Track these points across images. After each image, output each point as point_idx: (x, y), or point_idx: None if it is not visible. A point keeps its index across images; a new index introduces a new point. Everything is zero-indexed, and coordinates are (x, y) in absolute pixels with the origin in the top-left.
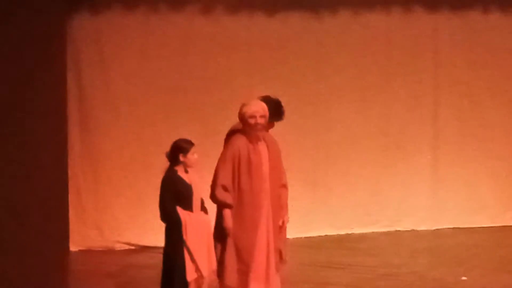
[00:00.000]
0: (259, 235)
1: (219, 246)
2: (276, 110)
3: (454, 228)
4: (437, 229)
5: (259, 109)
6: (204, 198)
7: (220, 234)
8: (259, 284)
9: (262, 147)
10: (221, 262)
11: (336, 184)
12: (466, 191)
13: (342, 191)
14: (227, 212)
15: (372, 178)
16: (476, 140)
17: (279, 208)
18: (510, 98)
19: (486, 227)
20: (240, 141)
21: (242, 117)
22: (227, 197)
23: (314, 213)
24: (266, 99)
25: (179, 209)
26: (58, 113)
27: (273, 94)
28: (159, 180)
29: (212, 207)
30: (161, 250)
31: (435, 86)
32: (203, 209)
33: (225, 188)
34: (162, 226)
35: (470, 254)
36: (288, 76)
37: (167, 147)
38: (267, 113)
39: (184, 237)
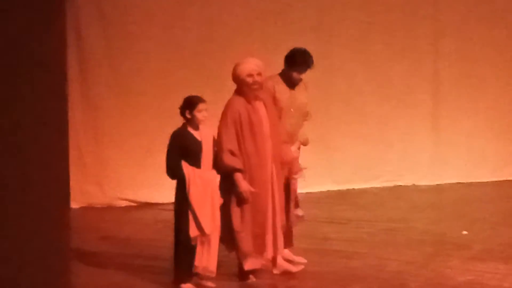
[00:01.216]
0: (268, 196)
1: (230, 213)
2: (298, 60)
3: (455, 182)
4: (438, 184)
5: (255, 66)
6: None
7: (231, 200)
8: (272, 247)
9: (260, 105)
10: (235, 229)
11: (336, 139)
12: (467, 146)
13: (343, 146)
14: (239, 176)
15: (373, 133)
16: (477, 95)
17: (282, 166)
18: (509, 50)
19: (487, 181)
20: (239, 103)
21: (237, 77)
22: (236, 162)
23: (315, 168)
24: (293, 51)
25: (184, 165)
26: (58, 69)
27: (271, 49)
28: (160, 137)
29: None
30: (161, 207)
31: (435, 41)
32: (216, 166)
33: (232, 153)
34: (162, 183)
35: (471, 209)
36: (289, 31)
37: (168, 105)
38: (263, 70)
39: (187, 192)
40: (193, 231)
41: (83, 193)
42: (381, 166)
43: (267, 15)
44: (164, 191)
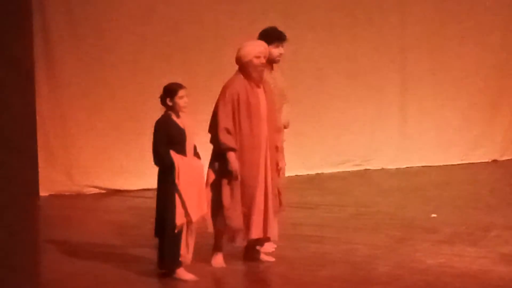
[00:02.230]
0: (259, 178)
1: (221, 189)
2: (275, 33)
3: (423, 166)
4: (406, 167)
5: (264, 49)
6: (196, 144)
7: (221, 178)
8: (259, 229)
9: (260, 89)
10: (224, 205)
11: (305, 124)
12: (435, 129)
13: (312, 131)
14: (231, 155)
15: (342, 118)
16: (445, 78)
17: (276, 151)
18: (478, 36)
19: (455, 164)
20: (239, 84)
21: (244, 58)
22: (230, 140)
23: (284, 153)
24: (264, 29)
25: (173, 153)
26: (25, 58)
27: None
28: (127, 124)
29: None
30: (131, 194)
31: (402, 26)
32: (196, 154)
33: (228, 131)
34: (130, 170)
35: (440, 192)
36: (255, 17)
37: (135, 94)
38: (267, 54)
39: (176, 181)
40: (180, 219)
41: (51, 181)
42: (349, 150)
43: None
44: (132, 178)
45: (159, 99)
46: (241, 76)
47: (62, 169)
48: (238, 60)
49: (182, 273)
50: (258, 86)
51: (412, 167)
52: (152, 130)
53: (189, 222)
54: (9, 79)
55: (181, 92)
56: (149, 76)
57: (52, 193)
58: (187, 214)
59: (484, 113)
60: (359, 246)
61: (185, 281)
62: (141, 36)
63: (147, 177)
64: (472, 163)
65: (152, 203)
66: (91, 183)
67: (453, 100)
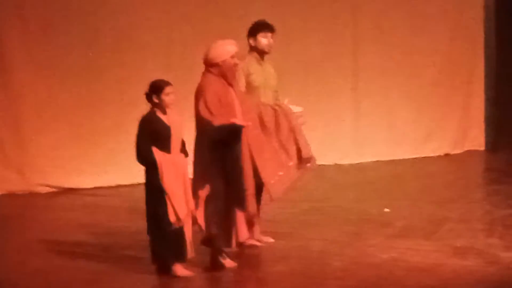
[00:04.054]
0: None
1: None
2: (261, 23)
3: (376, 161)
4: (359, 162)
5: (236, 48)
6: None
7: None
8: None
9: (231, 88)
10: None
11: None
12: (387, 124)
13: None
14: (235, 121)
15: None
16: (397, 73)
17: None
18: (428, 30)
19: (408, 158)
20: (216, 84)
21: (218, 58)
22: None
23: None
24: (252, 25)
25: (155, 150)
26: None
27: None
28: (80, 122)
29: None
30: (84, 192)
31: (354, 21)
32: (184, 151)
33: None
34: (83, 168)
35: (393, 186)
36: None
37: (89, 90)
38: (239, 53)
39: (160, 178)
40: (172, 216)
41: (3, 180)
42: None
43: None
44: (85, 177)
45: (145, 96)
46: (213, 76)
47: (14, 168)
48: (211, 60)
49: (179, 269)
50: (231, 85)
51: (365, 162)
52: (104, 127)
53: (177, 219)
54: None
55: (167, 89)
56: (103, 73)
57: (4, 192)
58: (174, 211)
59: (435, 107)
60: (313, 242)
61: (179, 277)
62: (95, 33)
63: (100, 175)
64: (425, 157)
65: (105, 201)
66: (43, 182)
67: (405, 95)
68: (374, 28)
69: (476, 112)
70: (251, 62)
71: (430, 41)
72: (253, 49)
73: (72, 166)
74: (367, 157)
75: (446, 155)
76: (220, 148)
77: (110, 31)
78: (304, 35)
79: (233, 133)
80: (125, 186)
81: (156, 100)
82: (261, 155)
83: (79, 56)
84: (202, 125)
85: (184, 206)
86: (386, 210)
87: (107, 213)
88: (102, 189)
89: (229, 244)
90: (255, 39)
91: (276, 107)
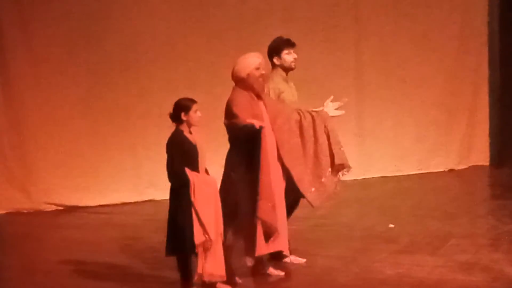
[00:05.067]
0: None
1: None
2: (282, 41)
3: (380, 177)
4: (364, 178)
5: (262, 60)
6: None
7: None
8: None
9: (260, 101)
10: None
11: None
12: (391, 140)
13: None
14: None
15: None
16: (401, 88)
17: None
18: (433, 45)
19: (412, 174)
20: (244, 97)
21: (243, 71)
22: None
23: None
24: (271, 44)
25: (187, 170)
26: None
27: None
28: (85, 140)
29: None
30: (89, 210)
31: (358, 36)
32: (205, 171)
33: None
34: (88, 186)
35: (397, 202)
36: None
37: (94, 107)
38: (265, 65)
39: (192, 198)
40: (198, 238)
41: (8, 198)
42: None
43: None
44: (89, 195)
45: (170, 116)
46: (241, 90)
47: (19, 186)
48: (236, 75)
49: None
50: (259, 98)
51: (369, 178)
52: (109, 145)
53: (207, 240)
54: None
55: (194, 107)
56: (107, 90)
57: (9, 210)
58: (205, 232)
59: (440, 122)
60: (318, 258)
61: None
62: (101, 46)
63: (104, 193)
64: (429, 172)
65: (110, 219)
66: (48, 200)
67: (409, 111)
68: (378, 44)
69: (481, 128)
70: (279, 81)
71: (435, 57)
72: (278, 66)
73: (77, 184)
74: (372, 173)
75: (451, 170)
76: (242, 155)
77: (117, 41)
78: (307, 52)
79: (250, 135)
80: (130, 203)
81: (184, 118)
82: (297, 167)
83: (84, 74)
84: (230, 134)
85: (215, 226)
86: (391, 226)
87: (112, 231)
88: (106, 207)
89: (252, 255)
90: (280, 57)
91: (314, 113)
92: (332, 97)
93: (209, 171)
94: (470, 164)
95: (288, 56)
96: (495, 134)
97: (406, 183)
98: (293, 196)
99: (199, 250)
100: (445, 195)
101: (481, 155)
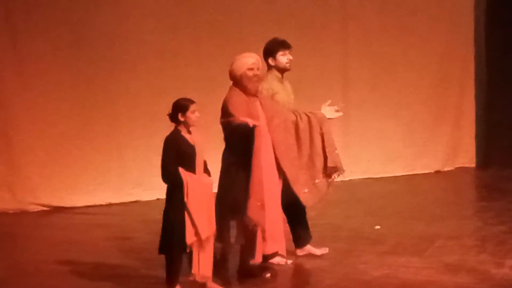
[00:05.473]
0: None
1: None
2: (277, 42)
3: (366, 178)
4: (350, 179)
5: (256, 60)
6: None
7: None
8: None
9: (256, 101)
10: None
11: None
12: (378, 142)
13: None
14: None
15: None
16: (387, 90)
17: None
18: (419, 47)
19: (398, 176)
20: (240, 97)
21: (237, 71)
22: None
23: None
24: (266, 45)
25: (182, 170)
26: None
27: None
28: (71, 140)
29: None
30: (75, 210)
31: (344, 38)
32: (206, 171)
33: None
34: (74, 186)
35: (383, 203)
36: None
37: (79, 107)
38: (261, 65)
39: (185, 199)
40: (189, 238)
41: None
42: None
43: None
44: (76, 195)
45: (168, 116)
46: (237, 90)
47: (4, 187)
48: (232, 75)
49: None
50: (255, 98)
51: (356, 179)
52: (95, 145)
53: (198, 240)
54: None
55: (192, 107)
56: (94, 90)
57: None
58: (197, 232)
59: (426, 124)
60: (304, 259)
61: None
62: (88, 47)
63: (91, 194)
64: (415, 174)
65: (95, 219)
66: (34, 200)
67: (395, 112)
68: (364, 45)
69: (467, 129)
70: (273, 82)
71: (421, 59)
72: (273, 67)
73: (63, 184)
74: (358, 174)
75: (437, 172)
76: (235, 153)
77: (103, 41)
78: (294, 53)
79: (244, 134)
80: (116, 204)
81: (181, 119)
82: (292, 168)
83: (70, 75)
84: (225, 132)
85: (207, 227)
86: (377, 227)
87: (98, 232)
88: (93, 208)
89: (252, 256)
90: (275, 59)
91: (310, 115)
92: (329, 101)
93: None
94: (457, 166)
95: (283, 58)
96: (481, 135)
97: (393, 185)
98: (289, 198)
99: (194, 250)
100: (432, 197)
101: (467, 157)
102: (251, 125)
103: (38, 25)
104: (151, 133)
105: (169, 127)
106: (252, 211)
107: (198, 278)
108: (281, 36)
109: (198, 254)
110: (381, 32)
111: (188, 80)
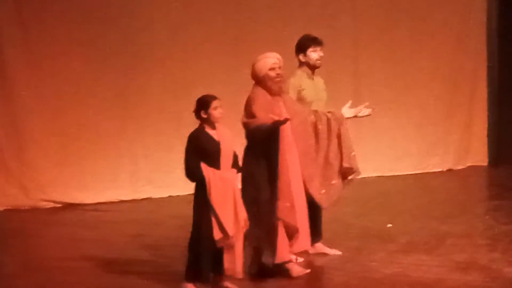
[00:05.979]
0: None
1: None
2: (308, 38)
3: (378, 176)
4: (361, 177)
5: (277, 60)
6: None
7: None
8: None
9: (280, 101)
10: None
11: None
12: (389, 140)
13: None
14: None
15: None
16: (399, 87)
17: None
18: (431, 45)
19: (410, 174)
20: (263, 96)
21: (259, 72)
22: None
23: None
24: (298, 41)
25: (204, 166)
26: None
27: None
28: (82, 137)
29: None
30: (86, 207)
31: (356, 35)
32: (236, 166)
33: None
34: (85, 183)
35: (395, 202)
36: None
37: (91, 103)
38: (282, 63)
39: (208, 195)
40: (217, 234)
41: (6, 195)
42: None
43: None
44: (87, 192)
45: (193, 113)
46: (261, 89)
47: (16, 183)
48: (254, 76)
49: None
50: (278, 98)
51: (367, 177)
52: (106, 143)
53: (225, 236)
54: None
55: (214, 103)
56: (106, 87)
57: (7, 207)
58: (222, 228)
59: (438, 122)
60: (315, 257)
61: None
62: (100, 44)
63: (102, 191)
64: (427, 172)
65: (107, 216)
66: (46, 197)
67: (406, 110)
68: (376, 43)
69: (479, 128)
70: (302, 77)
71: (433, 56)
72: (304, 64)
73: (74, 181)
74: (369, 172)
75: (449, 170)
76: (260, 153)
77: (114, 41)
78: None
79: (271, 130)
80: (127, 201)
81: (204, 116)
82: (309, 168)
83: (82, 72)
84: (247, 132)
85: (233, 223)
86: (389, 225)
87: (109, 229)
88: (104, 205)
89: (273, 257)
90: (305, 55)
91: (329, 114)
92: (350, 102)
93: None
94: (468, 164)
95: (313, 54)
96: (493, 134)
97: (404, 183)
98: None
99: (224, 246)
100: (443, 195)
101: (479, 155)
102: (280, 119)
103: (51, 23)
104: (162, 130)
105: (181, 124)
106: (282, 212)
107: (229, 273)
108: (289, 40)
109: (229, 251)
110: (393, 30)
111: (199, 78)
